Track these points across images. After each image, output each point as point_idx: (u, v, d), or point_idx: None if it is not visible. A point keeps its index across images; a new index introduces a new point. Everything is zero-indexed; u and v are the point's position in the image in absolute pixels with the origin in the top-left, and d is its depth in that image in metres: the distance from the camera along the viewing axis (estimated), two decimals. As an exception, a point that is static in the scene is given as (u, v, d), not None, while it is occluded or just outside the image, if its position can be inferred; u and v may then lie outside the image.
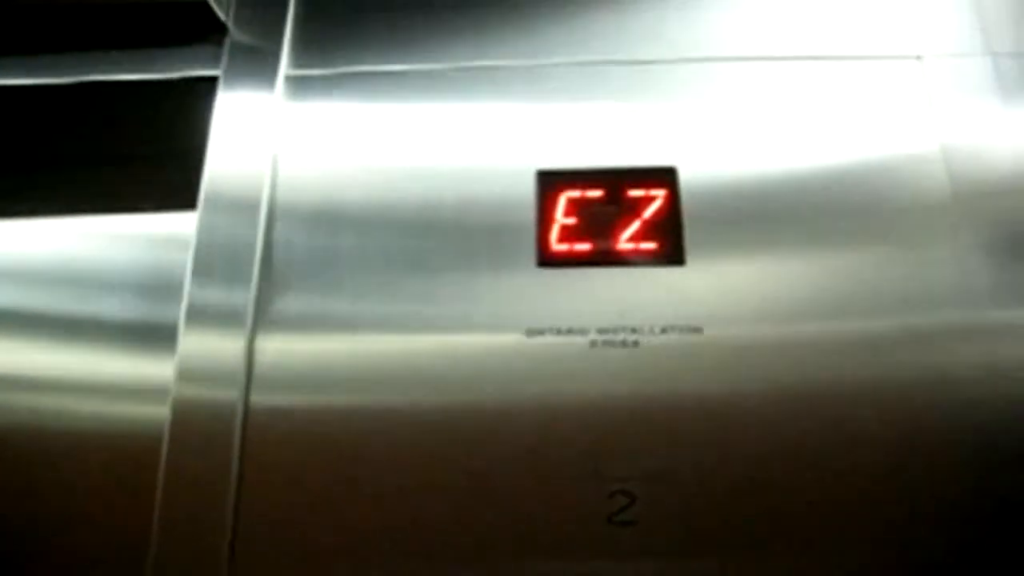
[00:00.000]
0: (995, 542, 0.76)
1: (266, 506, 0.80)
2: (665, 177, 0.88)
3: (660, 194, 0.88)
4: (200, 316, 0.85)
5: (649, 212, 0.87)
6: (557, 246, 0.87)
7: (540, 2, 0.99)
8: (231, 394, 0.82)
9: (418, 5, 0.99)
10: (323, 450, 0.81)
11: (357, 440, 0.81)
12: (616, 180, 0.89)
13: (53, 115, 0.99)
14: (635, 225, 0.87)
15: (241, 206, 0.90)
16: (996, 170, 0.87)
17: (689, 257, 0.85)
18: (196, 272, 0.87)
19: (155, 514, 0.79)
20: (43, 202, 0.95)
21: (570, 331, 0.83)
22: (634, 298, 0.84)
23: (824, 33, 0.95)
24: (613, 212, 0.88)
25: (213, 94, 0.95)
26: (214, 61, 0.97)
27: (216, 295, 0.86)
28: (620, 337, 0.82)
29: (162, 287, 0.88)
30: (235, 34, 0.98)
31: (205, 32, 0.98)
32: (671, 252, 0.86)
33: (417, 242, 0.88)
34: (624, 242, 0.87)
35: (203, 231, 0.89)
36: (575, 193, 0.88)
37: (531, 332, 0.83)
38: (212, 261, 0.87)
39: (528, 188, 0.89)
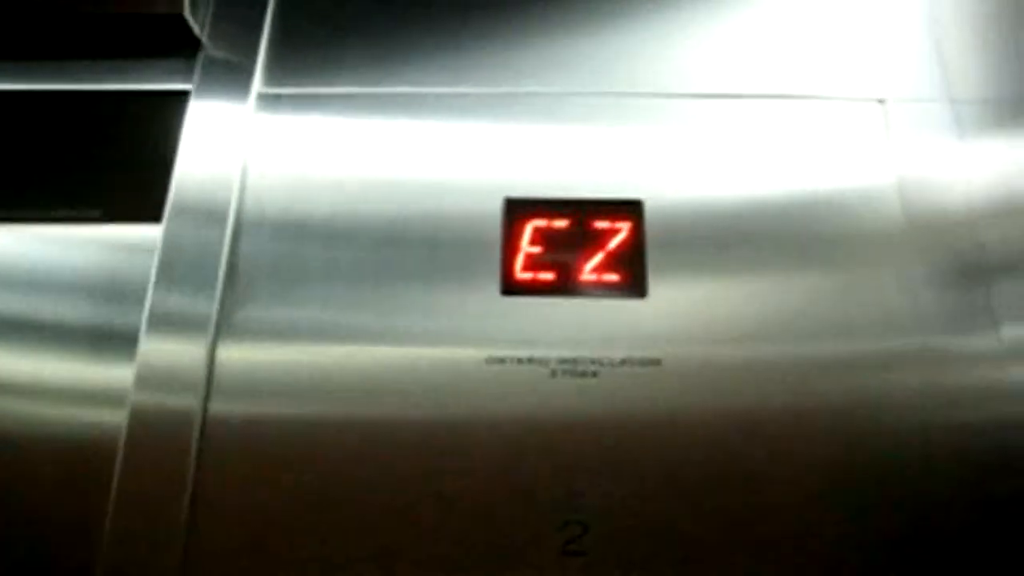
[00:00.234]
0: (936, 571, 0.77)
1: (221, 515, 0.79)
2: (631, 210, 0.90)
3: (625, 226, 0.89)
4: (162, 323, 0.85)
5: (613, 244, 0.88)
6: (521, 274, 0.87)
7: (516, 31, 1.00)
8: (190, 402, 0.81)
9: (394, 29, 1.00)
10: (282, 460, 0.80)
11: (315, 451, 0.80)
12: (582, 211, 0.90)
13: (23, 122, 0.98)
14: (599, 256, 0.88)
15: (208, 215, 0.89)
16: (948, 204, 0.89)
17: (651, 289, 0.86)
18: (160, 278, 0.86)
19: (107, 522, 0.78)
20: (5, 208, 0.93)
21: (531, 360, 0.84)
22: (595, 329, 0.85)
23: (792, 73, 0.97)
24: (578, 243, 0.89)
25: (185, 107, 0.94)
26: (187, 75, 0.97)
27: (179, 302, 0.86)
28: (580, 368, 0.83)
29: (127, 293, 0.87)
30: (209, 49, 0.98)
31: (179, 46, 0.97)
32: (633, 284, 0.87)
33: (383, 256, 0.88)
34: (587, 273, 0.87)
35: (169, 238, 0.88)
36: (541, 222, 0.89)
37: (491, 360, 0.84)
38: (177, 268, 0.87)
39: (495, 210, 0.90)
